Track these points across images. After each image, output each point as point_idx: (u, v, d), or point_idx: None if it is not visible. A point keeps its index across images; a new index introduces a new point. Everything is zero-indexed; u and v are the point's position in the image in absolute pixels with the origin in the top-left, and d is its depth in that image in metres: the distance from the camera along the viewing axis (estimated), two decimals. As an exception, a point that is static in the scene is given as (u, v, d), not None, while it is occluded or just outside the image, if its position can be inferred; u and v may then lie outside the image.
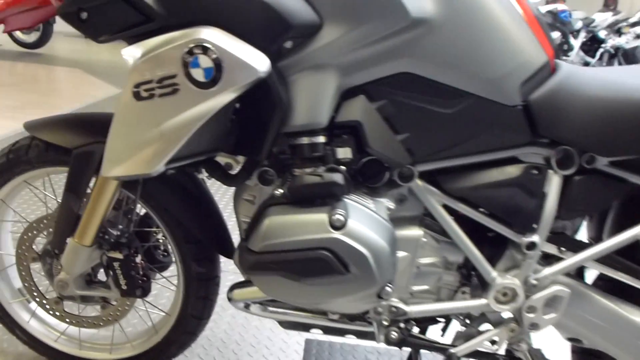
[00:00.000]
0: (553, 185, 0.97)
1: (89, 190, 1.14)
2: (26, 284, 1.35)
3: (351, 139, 0.95)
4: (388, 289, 1.00)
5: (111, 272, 1.18)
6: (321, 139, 0.94)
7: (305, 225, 0.94)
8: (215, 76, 0.85)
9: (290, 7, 0.86)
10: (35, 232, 1.28)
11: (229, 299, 1.15)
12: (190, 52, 0.85)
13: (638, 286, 1.04)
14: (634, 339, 1.05)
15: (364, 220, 0.94)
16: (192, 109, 0.87)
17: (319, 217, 0.93)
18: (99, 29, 0.90)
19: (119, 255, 1.16)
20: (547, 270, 1.03)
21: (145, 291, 1.20)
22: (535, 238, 1.00)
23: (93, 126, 1.14)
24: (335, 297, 0.99)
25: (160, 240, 1.29)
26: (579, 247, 1.03)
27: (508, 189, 0.98)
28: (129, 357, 1.37)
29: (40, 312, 1.40)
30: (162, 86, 0.87)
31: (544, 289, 1.03)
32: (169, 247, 1.24)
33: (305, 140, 0.94)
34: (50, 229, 1.25)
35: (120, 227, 1.18)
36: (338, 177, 0.93)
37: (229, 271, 1.83)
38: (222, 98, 0.86)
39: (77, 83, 5.30)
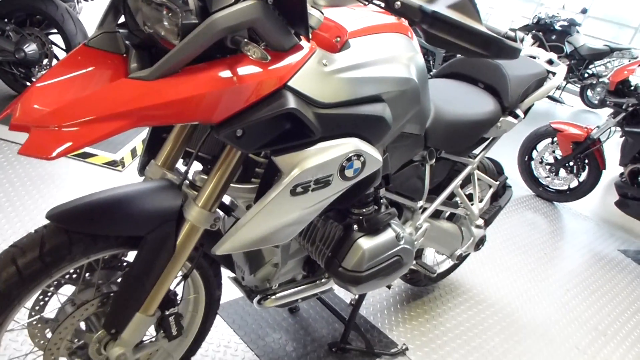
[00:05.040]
0: (427, 170, 1.69)
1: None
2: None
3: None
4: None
5: (165, 326, 1.25)
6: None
7: (386, 245, 1.43)
8: (359, 171, 1.17)
9: (388, 117, 1.21)
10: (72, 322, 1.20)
11: (259, 304, 1.44)
12: (349, 159, 1.13)
13: (450, 211, 2.00)
14: (449, 237, 2.01)
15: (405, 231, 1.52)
16: (333, 195, 1.15)
17: (392, 238, 1.45)
18: (252, 143, 1.00)
19: (175, 310, 1.26)
20: (423, 217, 1.76)
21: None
22: (422, 202, 1.71)
23: (144, 208, 1.10)
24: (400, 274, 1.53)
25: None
26: (433, 199, 1.81)
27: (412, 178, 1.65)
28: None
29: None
30: (317, 183, 1.11)
31: (422, 227, 1.78)
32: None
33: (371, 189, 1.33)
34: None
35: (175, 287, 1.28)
36: (394, 210, 1.46)
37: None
38: (354, 182, 1.18)
39: None
